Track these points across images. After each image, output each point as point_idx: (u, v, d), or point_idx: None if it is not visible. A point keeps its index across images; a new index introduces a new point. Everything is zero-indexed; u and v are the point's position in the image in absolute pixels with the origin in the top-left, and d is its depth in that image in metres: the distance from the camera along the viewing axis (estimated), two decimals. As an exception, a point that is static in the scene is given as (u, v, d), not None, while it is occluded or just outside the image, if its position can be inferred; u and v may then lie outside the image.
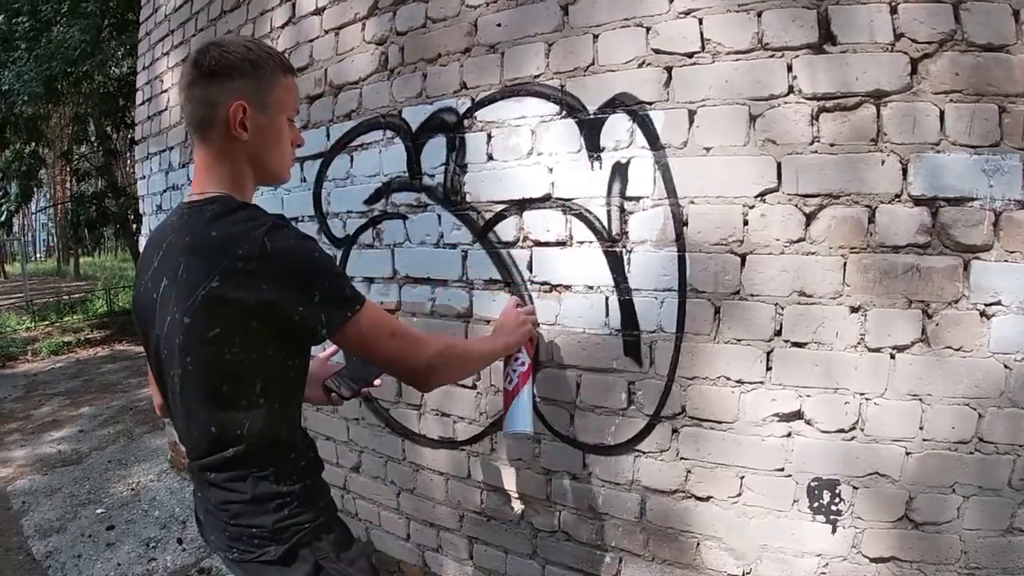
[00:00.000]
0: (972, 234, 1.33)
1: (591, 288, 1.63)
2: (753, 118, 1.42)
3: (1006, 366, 1.34)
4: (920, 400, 1.39)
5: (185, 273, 0.96)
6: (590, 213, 1.61)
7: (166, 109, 3.14)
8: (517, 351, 1.55)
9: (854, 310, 1.40)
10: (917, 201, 1.34)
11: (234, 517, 1.04)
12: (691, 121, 1.47)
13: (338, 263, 2.20)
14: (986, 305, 1.34)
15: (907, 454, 1.41)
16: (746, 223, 1.44)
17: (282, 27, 2.36)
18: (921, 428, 1.40)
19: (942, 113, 1.33)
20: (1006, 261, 1.33)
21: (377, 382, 1.35)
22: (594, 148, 1.59)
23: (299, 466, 1.08)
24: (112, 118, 8.74)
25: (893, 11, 1.33)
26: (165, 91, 3.14)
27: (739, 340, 1.48)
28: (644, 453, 1.62)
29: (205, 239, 0.96)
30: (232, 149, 1.04)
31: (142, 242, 3.57)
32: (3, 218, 10.00)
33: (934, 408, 1.39)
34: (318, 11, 2.21)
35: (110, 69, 6.98)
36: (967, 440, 1.38)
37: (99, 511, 3.11)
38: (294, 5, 2.30)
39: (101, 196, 9.61)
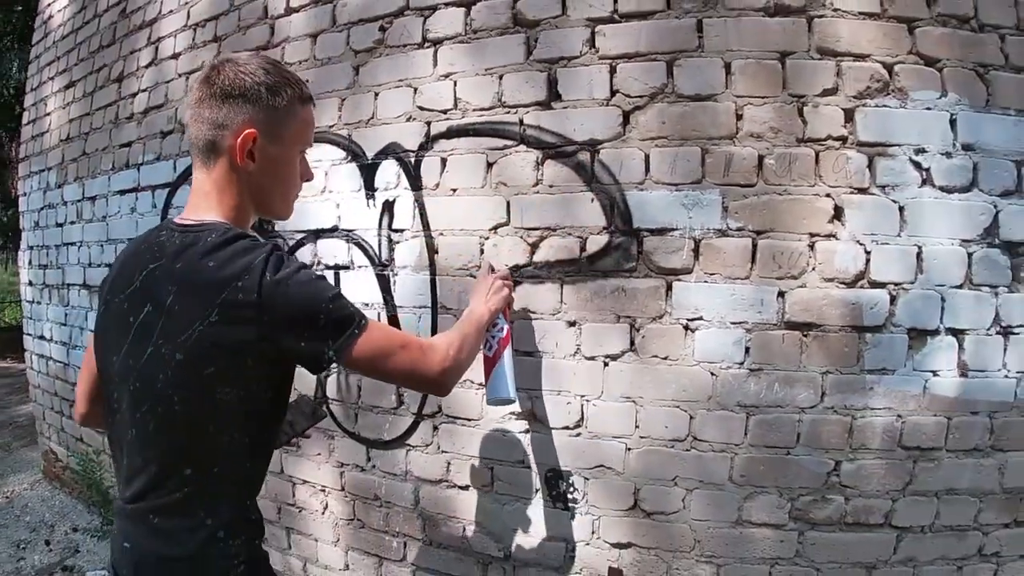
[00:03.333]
0: (672, 259, 1.52)
1: (368, 305, 1.90)
2: (490, 164, 1.69)
3: (712, 373, 1.51)
4: (633, 402, 1.57)
5: (177, 305, 0.88)
6: (366, 242, 1.89)
7: (47, 131, 3.31)
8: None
9: (571, 324, 1.62)
10: (624, 232, 1.55)
11: (173, 571, 0.93)
12: (443, 167, 1.75)
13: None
14: (689, 320, 1.52)
15: (628, 449, 1.59)
16: (482, 251, 1.71)
17: (146, 67, 2.60)
18: (637, 427, 1.58)
19: (648, 156, 1.52)
20: (706, 282, 1.50)
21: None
22: (370, 188, 1.87)
23: (251, 518, 0.99)
24: (8, 127, 8.21)
25: (612, 71, 1.54)
26: (48, 114, 3.31)
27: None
28: (413, 447, 1.87)
29: (201, 270, 0.88)
30: (236, 178, 0.96)
31: (23, 258, 3.69)
32: None
33: (646, 409, 1.56)
34: (175, 55, 2.46)
35: (13, 77, 6.72)
36: (682, 439, 1.54)
37: (-27, 516, 3.21)
38: (157, 48, 2.55)
39: None
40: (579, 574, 1.68)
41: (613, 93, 1.55)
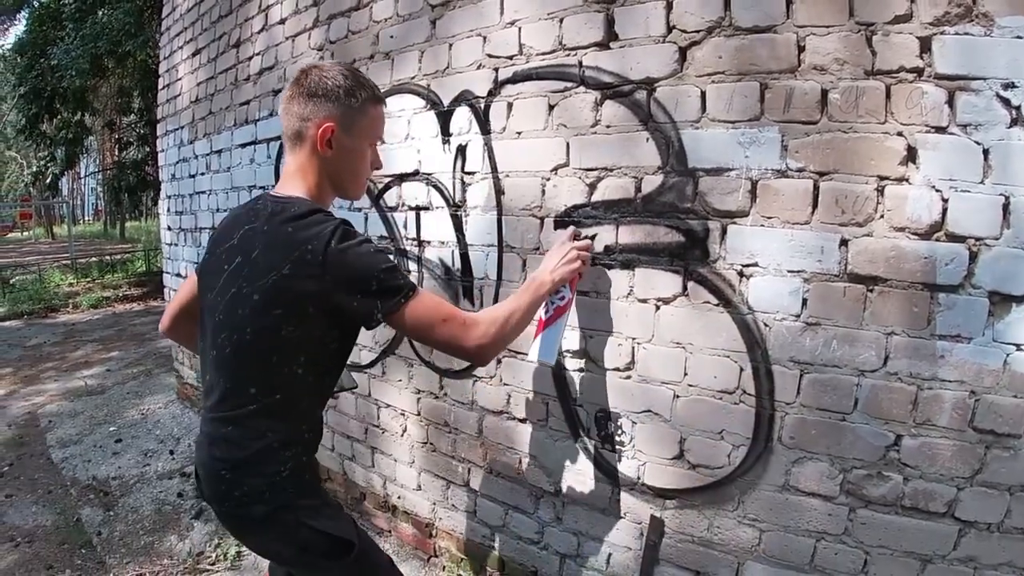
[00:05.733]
0: (727, 201, 1.45)
1: (443, 243, 2.06)
2: (551, 107, 1.73)
3: (765, 324, 1.43)
4: (683, 348, 1.55)
5: (260, 258, 1.10)
6: (442, 184, 2.03)
7: (179, 94, 3.73)
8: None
9: (625, 266, 1.63)
10: (679, 172, 1.52)
11: (234, 469, 1.14)
12: (509, 111, 1.84)
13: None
14: (743, 266, 1.45)
15: (675, 396, 1.58)
16: (543, 192, 1.78)
17: (259, 32, 2.87)
18: (686, 374, 1.55)
19: (704, 93, 1.47)
20: (762, 226, 1.41)
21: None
22: (446, 133, 2.01)
23: (304, 438, 1.20)
24: (155, 91, 9.19)
25: (669, 7, 1.50)
26: (179, 79, 3.73)
27: (539, 286, 1.84)
28: (479, 378, 2.02)
29: (283, 234, 1.10)
30: (316, 163, 1.18)
31: (162, 206, 4.21)
32: (49, 180, 10.80)
33: (696, 357, 1.53)
34: (282, 21, 2.70)
35: (151, 48, 7.26)
36: (731, 391, 1.49)
37: (111, 429, 3.73)
38: (267, 15, 2.81)
39: (141, 164, 10.14)
40: (623, 518, 1.73)
41: (669, 29, 1.51)
